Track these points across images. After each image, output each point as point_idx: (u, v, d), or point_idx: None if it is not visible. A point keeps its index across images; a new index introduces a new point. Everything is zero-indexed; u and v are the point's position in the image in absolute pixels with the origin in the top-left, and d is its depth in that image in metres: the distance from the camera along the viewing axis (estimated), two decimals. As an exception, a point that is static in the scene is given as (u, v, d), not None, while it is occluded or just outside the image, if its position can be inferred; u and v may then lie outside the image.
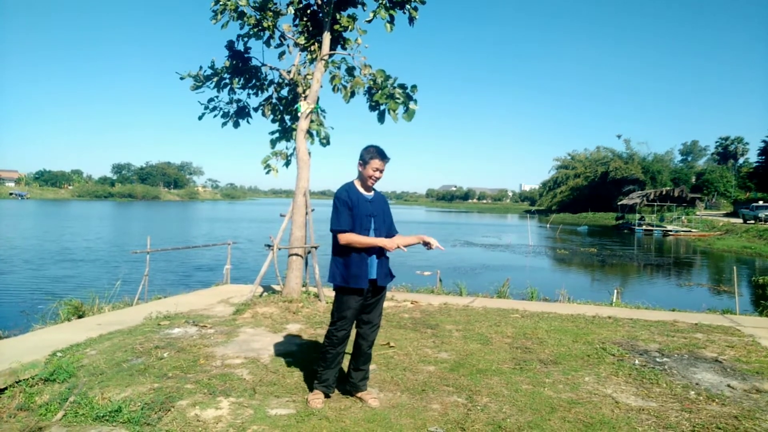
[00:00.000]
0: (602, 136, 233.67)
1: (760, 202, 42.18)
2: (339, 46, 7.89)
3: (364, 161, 3.58)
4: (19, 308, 9.33)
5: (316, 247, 7.66)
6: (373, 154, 3.55)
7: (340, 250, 3.58)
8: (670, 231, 38.08)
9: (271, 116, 8.34)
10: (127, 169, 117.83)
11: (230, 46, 7.88)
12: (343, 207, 3.52)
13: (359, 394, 3.70)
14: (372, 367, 4.41)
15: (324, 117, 8.25)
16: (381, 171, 3.59)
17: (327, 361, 3.62)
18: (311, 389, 3.74)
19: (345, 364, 3.89)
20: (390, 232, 3.73)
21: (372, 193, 3.70)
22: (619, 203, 49.89)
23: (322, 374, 3.65)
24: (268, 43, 7.74)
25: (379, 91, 7.16)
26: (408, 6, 7.25)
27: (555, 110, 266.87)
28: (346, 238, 3.48)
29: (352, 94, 7.58)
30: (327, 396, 3.66)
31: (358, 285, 3.49)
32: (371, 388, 3.84)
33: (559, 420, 3.39)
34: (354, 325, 3.72)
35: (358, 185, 3.65)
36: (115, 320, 6.02)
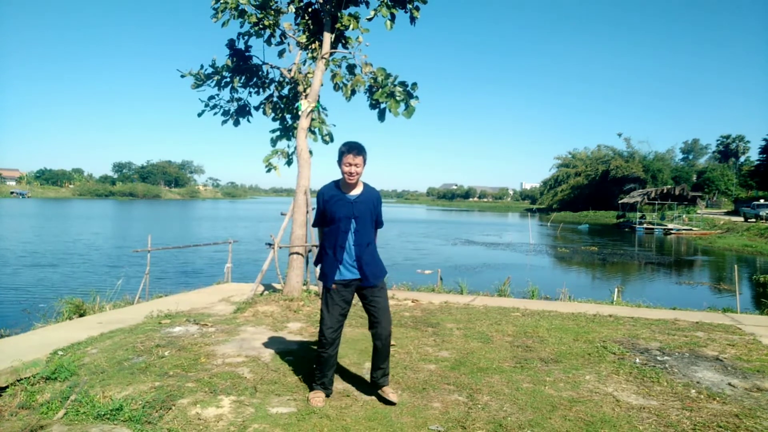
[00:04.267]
0: (603, 134, 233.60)
1: (761, 201, 42.20)
2: (340, 45, 7.89)
3: (339, 158, 3.55)
4: (21, 307, 9.36)
5: (316, 246, 7.66)
6: (345, 149, 3.51)
7: (319, 248, 3.74)
8: (671, 229, 38.06)
9: (272, 115, 8.33)
10: (128, 168, 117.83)
11: (231, 44, 7.87)
12: (317, 207, 3.67)
13: (380, 390, 3.69)
14: (373, 365, 4.43)
15: (326, 115, 8.25)
16: (356, 165, 3.47)
17: (321, 363, 3.62)
18: (311, 388, 3.75)
19: (350, 363, 3.89)
20: (376, 228, 3.74)
21: (357, 192, 3.61)
22: (619, 202, 49.86)
23: (319, 376, 3.66)
24: (269, 42, 7.74)
25: (380, 90, 7.16)
26: (410, 5, 7.24)
27: (556, 109, 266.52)
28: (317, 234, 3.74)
29: (353, 92, 7.58)
30: (327, 395, 3.67)
31: (327, 283, 3.59)
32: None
33: (559, 418, 3.39)
34: (368, 327, 3.73)
35: (340, 185, 3.61)
36: (116, 319, 6.02)
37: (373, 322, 3.67)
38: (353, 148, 3.49)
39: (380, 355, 3.68)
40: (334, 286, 3.59)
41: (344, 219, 3.51)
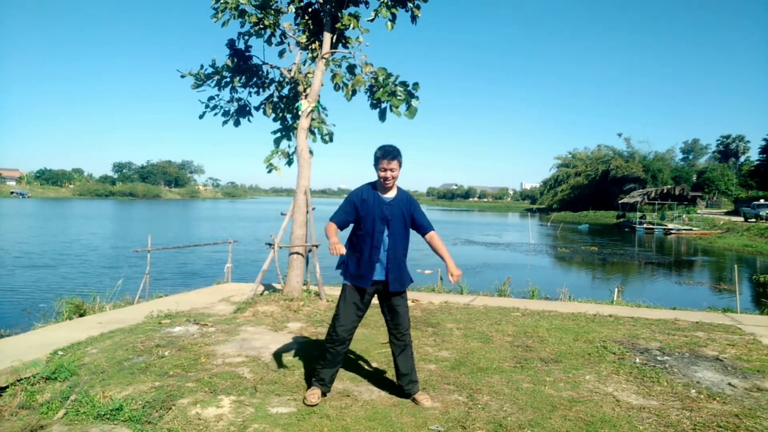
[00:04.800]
0: (603, 134, 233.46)
1: (761, 201, 42.19)
2: (340, 45, 7.88)
3: (375, 162, 3.59)
4: (21, 307, 9.35)
5: (316, 246, 7.66)
6: (380, 153, 3.55)
7: (352, 247, 3.66)
8: (671, 229, 38.04)
9: (273, 115, 8.33)
10: (128, 168, 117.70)
11: (231, 44, 7.87)
12: (347, 204, 3.62)
13: (412, 398, 3.66)
14: (373, 365, 4.42)
15: (326, 115, 8.24)
16: (391, 170, 3.53)
17: (326, 360, 3.62)
18: (310, 384, 3.75)
19: (350, 363, 3.89)
20: (425, 231, 3.69)
21: (392, 194, 3.64)
22: (620, 202, 49.87)
23: (320, 372, 3.65)
24: (269, 42, 7.73)
25: (381, 89, 7.16)
26: (410, 4, 7.23)
27: (556, 108, 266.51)
28: (328, 226, 3.58)
29: (354, 92, 7.58)
30: (324, 394, 3.66)
31: (361, 285, 3.56)
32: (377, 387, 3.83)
33: (559, 418, 3.40)
34: (388, 333, 3.72)
35: (377, 187, 3.65)
36: (116, 319, 6.02)
37: (393, 328, 3.66)
38: (388, 153, 3.53)
39: (402, 362, 3.66)
40: (355, 287, 3.57)
41: (378, 220, 3.54)
